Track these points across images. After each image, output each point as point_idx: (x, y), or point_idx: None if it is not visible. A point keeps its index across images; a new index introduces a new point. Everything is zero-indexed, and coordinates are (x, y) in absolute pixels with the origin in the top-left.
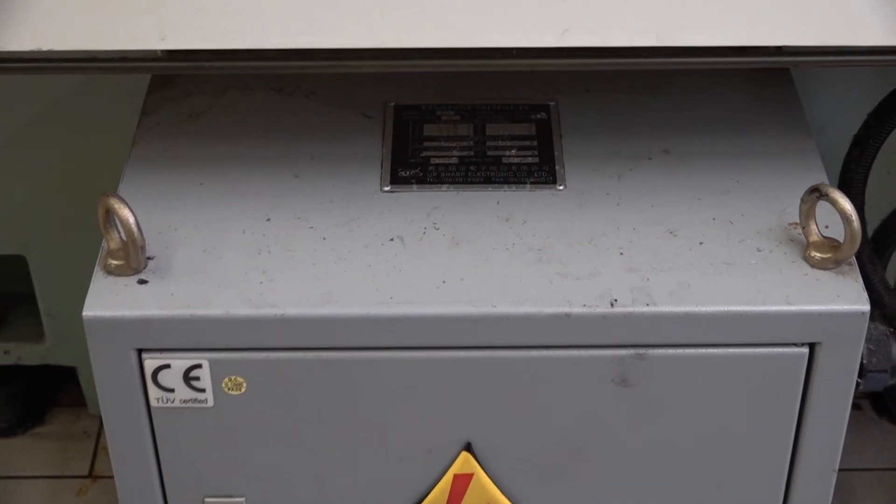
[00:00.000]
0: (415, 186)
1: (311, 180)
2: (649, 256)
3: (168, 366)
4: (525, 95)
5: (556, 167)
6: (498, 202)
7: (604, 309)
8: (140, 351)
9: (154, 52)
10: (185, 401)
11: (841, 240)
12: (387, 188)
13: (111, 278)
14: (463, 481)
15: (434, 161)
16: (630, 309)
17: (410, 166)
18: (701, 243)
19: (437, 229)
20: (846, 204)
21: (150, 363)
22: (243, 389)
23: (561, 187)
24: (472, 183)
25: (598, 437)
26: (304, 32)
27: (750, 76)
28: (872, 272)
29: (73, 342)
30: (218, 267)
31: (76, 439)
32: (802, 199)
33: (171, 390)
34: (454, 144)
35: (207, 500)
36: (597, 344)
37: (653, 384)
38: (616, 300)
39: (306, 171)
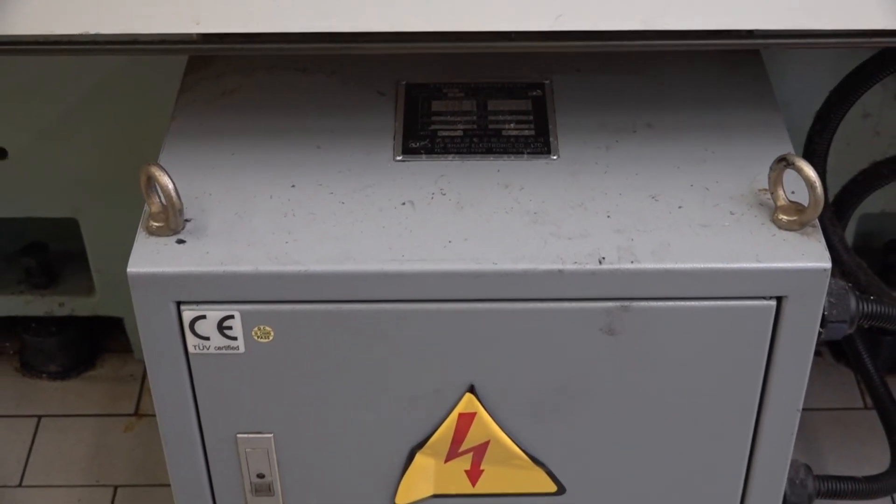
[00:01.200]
0: (424, 156)
1: (331, 151)
2: (634, 219)
3: (204, 316)
4: (522, 75)
5: (551, 139)
6: (498, 170)
7: (593, 266)
8: (179, 303)
9: (190, 35)
10: (219, 348)
11: (805, 204)
12: (399, 158)
13: (153, 238)
14: (467, 419)
15: (441, 133)
16: (616, 266)
17: (420, 138)
18: (680, 207)
19: (444, 195)
20: (810, 172)
21: (188, 314)
22: (271, 337)
23: (555, 157)
24: (475, 153)
25: (588, 380)
26: (326, 17)
27: (724, 57)
28: (833, 233)
29: (120, 295)
30: (248, 228)
31: (123, 382)
32: (771, 168)
33: (207, 338)
34: (459, 119)
35: (239, 435)
36: (586, 297)
37: (637, 333)
38: (604, 258)
39: (327, 143)
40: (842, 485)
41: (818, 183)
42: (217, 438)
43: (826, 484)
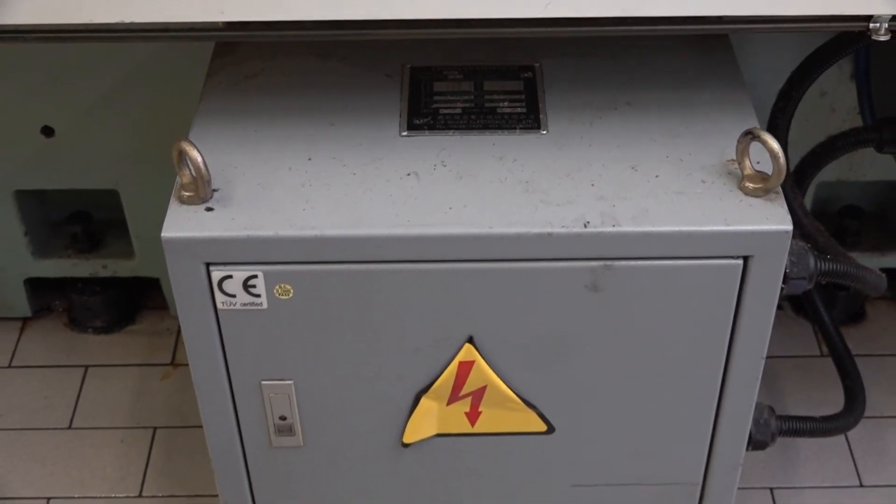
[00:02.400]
0: (427, 132)
1: (343, 128)
2: (615, 187)
3: (231, 276)
4: (515, 58)
5: (540, 116)
6: (493, 144)
7: (578, 229)
8: (208, 265)
9: (216, 23)
10: (244, 304)
11: (769, 173)
12: (404, 133)
13: (184, 207)
14: (466, 367)
15: (442, 112)
16: (599, 229)
17: (423, 116)
18: (657, 176)
19: (445, 166)
20: (774, 144)
21: (216, 274)
22: (291, 295)
23: (544, 132)
24: (472, 129)
25: (574, 331)
26: (339, 7)
27: (696, 41)
28: (794, 200)
29: (156, 258)
30: (269, 197)
31: (160, 336)
32: (738, 141)
33: (234, 296)
34: (458, 98)
35: (263, 382)
36: (572, 257)
37: (618, 289)
38: (588, 222)
39: (340, 121)
40: (801, 424)
41: (781, 154)
42: (243, 385)
43: (787, 423)
